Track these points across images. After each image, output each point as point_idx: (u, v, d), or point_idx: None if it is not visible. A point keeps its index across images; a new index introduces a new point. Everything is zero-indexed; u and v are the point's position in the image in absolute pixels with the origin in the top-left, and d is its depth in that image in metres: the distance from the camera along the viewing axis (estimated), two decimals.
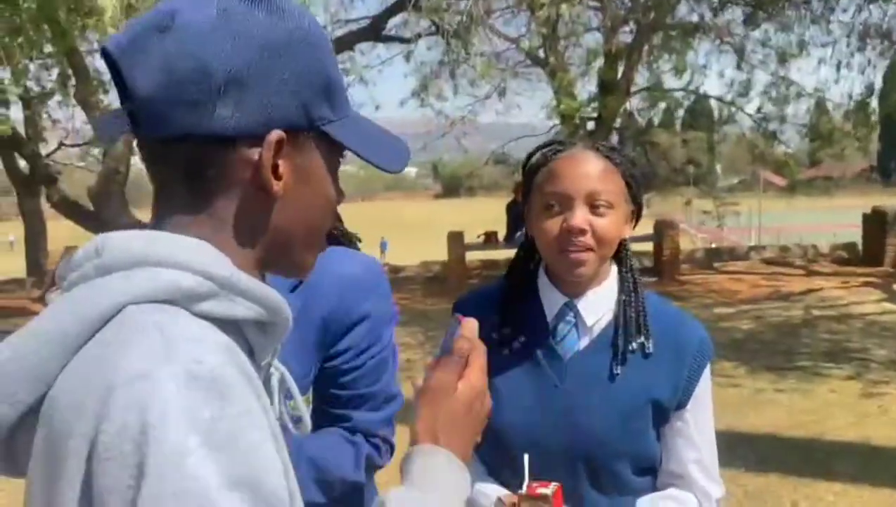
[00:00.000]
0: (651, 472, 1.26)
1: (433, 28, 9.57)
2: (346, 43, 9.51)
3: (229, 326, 0.62)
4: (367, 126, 0.75)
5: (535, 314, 1.25)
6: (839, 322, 7.09)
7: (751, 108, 12.62)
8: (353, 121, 0.72)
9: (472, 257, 10.68)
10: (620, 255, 1.25)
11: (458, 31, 8.79)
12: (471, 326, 0.81)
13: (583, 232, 1.14)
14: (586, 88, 12.05)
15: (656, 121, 17.26)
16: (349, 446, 1.19)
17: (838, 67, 10.17)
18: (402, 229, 23.62)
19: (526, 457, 1.12)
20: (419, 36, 9.69)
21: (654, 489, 1.25)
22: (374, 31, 9.73)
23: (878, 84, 11.05)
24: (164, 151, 0.65)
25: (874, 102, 12.06)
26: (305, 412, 0.85)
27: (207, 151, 0.63)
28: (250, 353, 0.66)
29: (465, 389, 0.77)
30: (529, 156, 1.26)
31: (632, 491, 1.22)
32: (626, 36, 11.23)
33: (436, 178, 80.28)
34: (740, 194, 16.81)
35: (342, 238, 1.50)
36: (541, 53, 11.62)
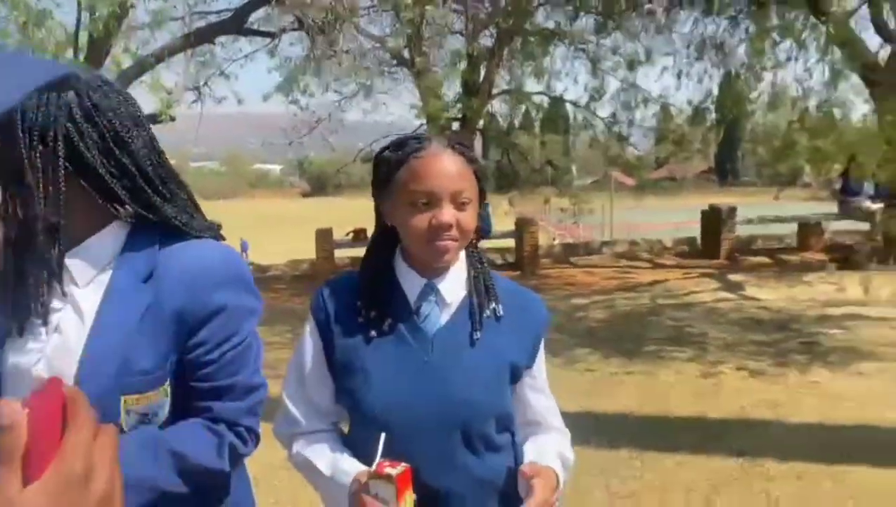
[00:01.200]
0: (509, 428, 1.39)
1: (297, 23, 9.45)
2: (206, 35, 9.17)
3: None
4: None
5: (397, 298, 1.34)
6: (681, 310, 7.72)
7: (603, 112, 13.39)
8: None
9: (342, 254, 10.64)
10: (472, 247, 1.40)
11: (323, 28, 8.74)
12: (9, 411, 0.47)
13: (451, 227, 1.26)
14: (452, 89, 12.31)
15: (517, 123, 17.85)
16: (211, 435, 1.21)
17: (679, 76, 10.94)
18: (268, 228, 23.06)
19: (383, 436, 1.20)
20: (283, 31, 9.53)
21: (514, 443, 1.39)
22: (236, 24, 9.44)
23: (715, 92, 11.97)
24: None
25: (712, 109, 13.09)
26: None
27: None
28: None
29: (41, 490, 0.48)
30: (383, 150, 1.34)
31: (496, 448, 1.36)
32: (487, 40, 11.61)
33: (302, 175, 78.74)
34: (594, 194, 17.71)
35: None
36: (405, 54, 11.76)
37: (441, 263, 1.31)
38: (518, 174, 15.08)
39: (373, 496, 1.17)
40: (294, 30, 9.67)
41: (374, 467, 1.19)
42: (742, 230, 11.65)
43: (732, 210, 11.27)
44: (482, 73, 11.60)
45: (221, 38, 10.07)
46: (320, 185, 65.44)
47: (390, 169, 1.30)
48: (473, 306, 1.34)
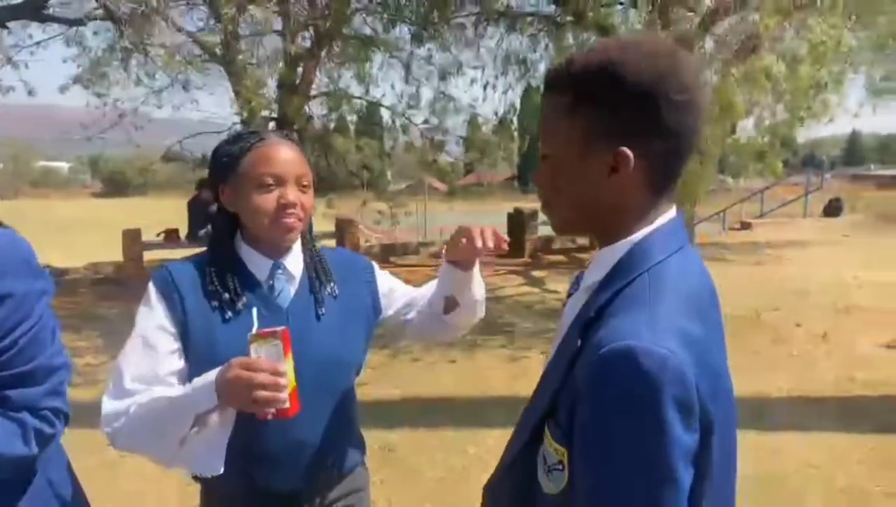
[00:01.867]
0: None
1: (101, 11, 8.88)
2: None
3: None
4: None
5: (247, 279, 1.47)
6: (493, 303, 8.32)
7: (418, 119, 13.84)
8: None
9: (151, 256, 10.13)
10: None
11: (132, 20, 8.31)
12: None
13: (296, 205, 1.43)
14: (268, 88, 12.15)
15: (333, 126, 17.88)
16: (13, 424, 1.19)
17: (485, 87, 11.57)
18: (57, 230, 21.09)
19: (254, 310, 1.36)
20: (88, 19, 8.91)
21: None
22: (32, 8, 8.68)
23: (518, 104, 12.79)
24: None
25: (515, 120, 13.97)
26: None
27: None
28: None
29: None
30: (223, 144, 1.49)
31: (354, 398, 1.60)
32: (306, 41, 11.60)
33: (94, 174, 72.46)
34: (409, 198, 18.23)
35: None
36: (217, 50, 11.43)
37: (287, 240, 1.48)
38: (336, 176, 15.16)
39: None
40: (99, 19, 9.08)
41: (254, 330, 1.26)
42: (542, 231, 12.67)
43: (535, 213, 12.26)
44: (300, 73, 11.58)
45: (10, 23, 9.18)
46: (115, 184, 60.59)
47: (233, 158, 1.44)
48: (314, 286, 1.52)
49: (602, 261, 1.00)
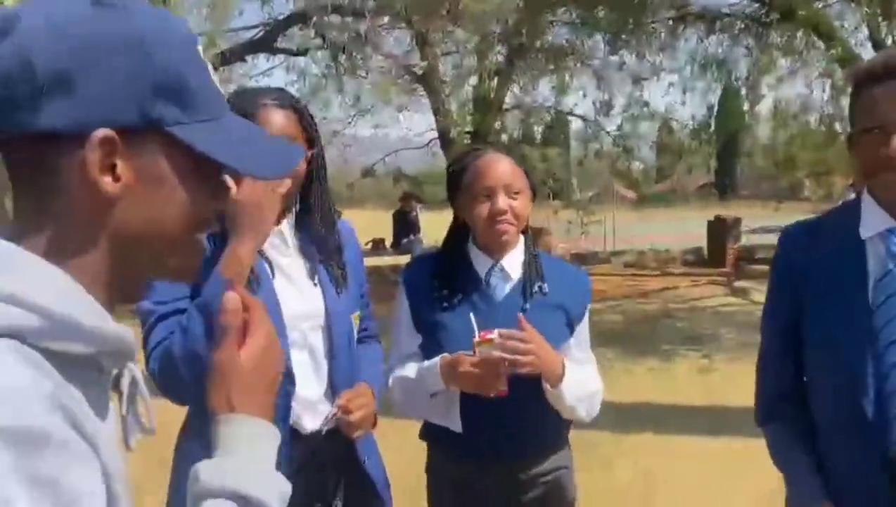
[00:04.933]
0: None
1: (319, 41, 9.87)
2: (239, 53, 9.60)
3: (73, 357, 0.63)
4: (242, 131, 0.76)
5: (470, 274, 1.73)
6: (692, 313, 8.12)
7: (609, 127, 13.75)
8: (218, 125, 0.71)
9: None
10: (526, 231, 1.78)
11: (346, 47, 9.18)
12: (232, 299, 0.80)
13: (506, 211, 1.64)
14: (461, 103, 12.70)
15: (522, 136, 18.21)
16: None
17: (684, 91, 11.29)
18: None
19: (472, 315, 1.61)
20: (307, 50, 9.95)
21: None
22: (267, 43, 9.87)
23: (716, 108, 12.33)
24: (5, 153, 0.65)
25: (713, 124, 13.44)
26: (151, 412, 0.79)
27: (39, 151, 0.63)
28: (100, 369, 0.68)
29: (248, 354, 0.78)
30: (452, 163, 1.80)
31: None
32: (500, 56, 12.01)
33: None
34: (596, 206, 18.06)
35: None
36: (419, 70, 12.17)
37: (500, 243, 1.69)
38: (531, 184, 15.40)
39: None
40: (317, 49, 10.10)
41: (476, 337, 1.55)
42: (748, 240, 12.05)
43: (737, 221, 11.69)
44: (494, 88, 11.99)
45: (249, 56, 10.51)
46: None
47: (457, 175, 1.72)
48: (525, 282, 1.72)
49: None
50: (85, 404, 0.62)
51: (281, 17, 9.71)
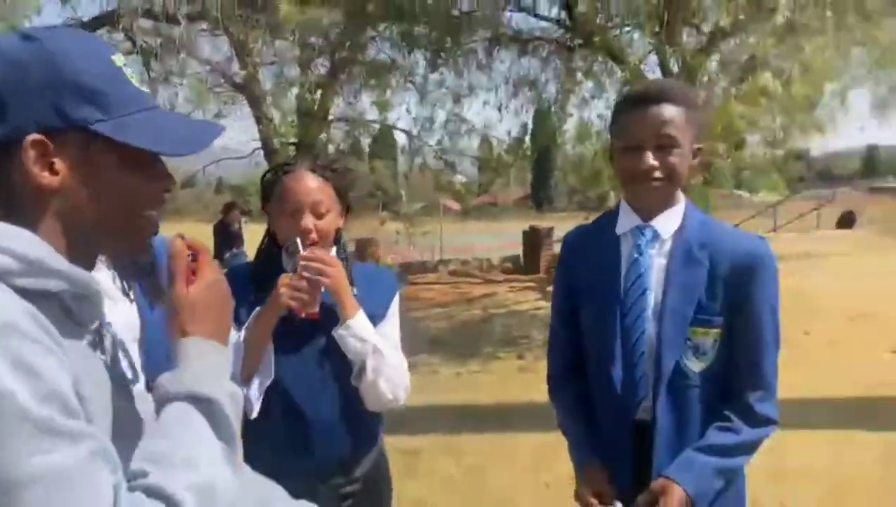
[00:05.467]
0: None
1: (129, 45, 9.30)
2: None
3: (47, 297, 0.77)
4: (163, 120, 0.89)
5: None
6: (510, 317, 8.58)
7: (432, 141, 14.15)
8: (138, 118, 0.84)
9: None
10: (337, 242, 1.81)
11: (159, 52, 8.74)
12: (177, 244, 0.95)
13: (310, 231, 1.66)
14: (289, 115, 12.53)
15: (348, 149, 18.20)
16: None
17: (499, 109, 11.85)
18: None
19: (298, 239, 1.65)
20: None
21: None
22: None
23: (530, 125, 13.04)
24: None
25: (527, 141, 14.20)
26: (137, 360, 0.95)
27: None
28: (70, 315, 0.80)
29: (196, 290, 0.93)
30: (265, 175, 1.80)
31: None
32: (323, 69, 11.99)
33: None
34: (424, 218, 18.49)
35: None
36: (239, 80, 11.83)
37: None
38: (343, 197, 15.42)
39: None
40: (129, 53, 9.50)
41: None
42: (556, 248, 12.90)
43: (550, 230, 12.52)
44: (317, 100, 11.95)
45: None
46: None
47: (269, 188, 1.75)
48: None
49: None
50: (55, 332, 0.74)
51: (85, 20, 9.01)
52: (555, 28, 9.84)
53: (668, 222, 1.59)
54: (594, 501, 1.53)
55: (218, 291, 0.95)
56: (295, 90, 12.44)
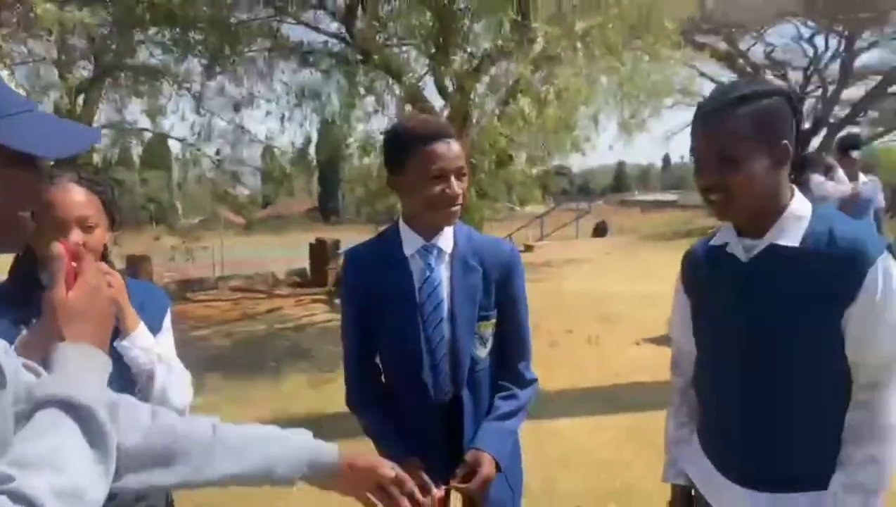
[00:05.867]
0: None
1: None
2: None
3: None
4: (40, 123, 0.92)
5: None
6: (296, 331, 8.50)
7: (210, 151, 13.58)
8: (14, 121, 0.87)
9: None
10: (104, 258, 1.74)
11: None
12: (57, 248, 0.99)
13: (78, 243, 1.56)
14: None
15: (115, 159, 16.93)
16: None
17: (282, 119, 11.68)
18: None
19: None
20: None
21: None
22: None
23: (315, 137, 13.01)
24: None
25: (312, 152, 14.16)
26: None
27: None
28: None
29: (75, 294, 0.95)
30: None
31: None
32: (85, 71, 11.06)
33: None
34: (203, 232, 17.65)
35: None
36: None
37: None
38: (121, 211, 14.37)
39: None
40: None
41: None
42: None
43: (336, 243, 12.58)
44: (80, 105, 10.99)
45: None
46: None
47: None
48: None
49: None
50: None
51: None
52: (336, 42, 9.96)
53: (447, 240, 1.85)
54: (420, 488, 1.61)
55: (99, 296, 0.98)
56: (53, 94, 11.34)
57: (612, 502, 3.77)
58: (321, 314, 9.58)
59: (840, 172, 6.44)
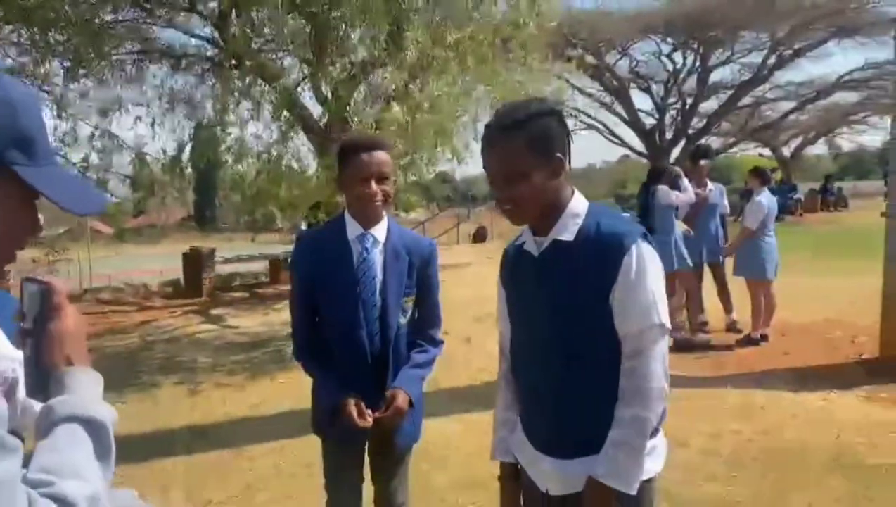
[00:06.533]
0: None
1: None
2: None
3: None
4: (67, 178, 1.07)
5: None
6: (170, 343, 8.23)
7: (76, 158, 12.86)
8: (51, 172, 1.01)
9: None
10: None
11: None
12: (58, 283, 1.12)
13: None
14: None
15: None
16: None
17: (153, 125, 11.24)
18: None
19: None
20: None
21: None
22: None
23: (189, 143, 12.57)
24: None
25: (185, 159, 13.69)
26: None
27: None
28: None
29: (68, 322, 1.08)
30: None
31: None
32: None
33: None
34: (69, 244, 16.68)
35: None
36: None
37: None
38: None
39: None
40: None
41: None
42: (222, 270, 12.68)
43: (212, 251, 12.24)
44: None
45: None
46: None
47: None
48: None
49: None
50: None
51: None
52: (209, 47, 9.74)
53: (381, 230, 2.41)
54: (359, 416, 2.23)
55: (80, 323, 1.11)
56: None
57: (481, 490, 3.96)
58: (195, 325, 9.31)
59: (685, 181, 7.02)
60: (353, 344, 2.36)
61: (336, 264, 2.36)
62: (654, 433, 1.73)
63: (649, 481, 1.73)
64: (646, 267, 1.66)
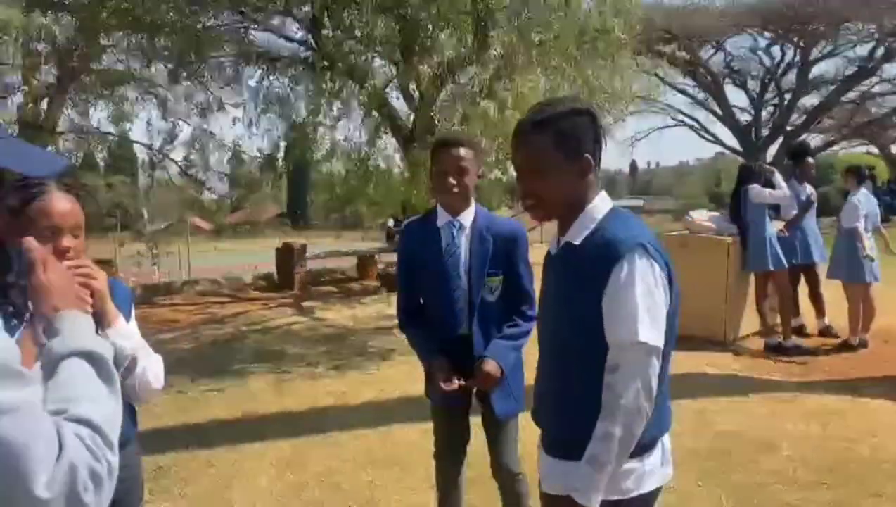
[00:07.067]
0: None
1: None
2: None
3: None
4: (17, 147, 1.14)
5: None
6: (263, 333, 8.59)
7: (177, 155, 13.55)
8: (2, 144, 1.08)
9: None
10: None
11: None
12: (30, 241, 1.24)
13: (68, 250, 1.67)
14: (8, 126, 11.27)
15: (79, 163, 16.80)
16: None
17: (249, 125, 11.69)
18: None
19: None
20: None
21: None
22: None
23: (283, 143, 12.99)
24: None
25: (281, 159, 14.17)
26: None
27: None
28: None
29: (55, 274, 1.21)
30: (11, 191, 1.68)
31: None
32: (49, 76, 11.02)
33: None
34: (171, 238, 17.55)
35: None
36: None
37: None
38: (87, 216, 14.28)
39: None
40: None
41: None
42: (312, 265, 13.08)
43: (304, 247, 12.66)
44: (43, 110, 10.95)
45: None
46: None
47: (25, 205, 1.66)
48: None
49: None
50: None
51: None
52: (303, 49, 10.05)
53: (467, 217, 2.68)
54: (444, 380, 2.51)
55: (65, 271, 1.24)
56: (16, 98, 11.29)
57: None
58: (288, 317, 9.66)
59: (779, 179, 6.73)
60: (442, 318, 2.67)
61: (428, 247, 2.67)
62: (643, 451, 1.69)
63: (638, 500, 1.69)
64: (634, 279, 1.60)
